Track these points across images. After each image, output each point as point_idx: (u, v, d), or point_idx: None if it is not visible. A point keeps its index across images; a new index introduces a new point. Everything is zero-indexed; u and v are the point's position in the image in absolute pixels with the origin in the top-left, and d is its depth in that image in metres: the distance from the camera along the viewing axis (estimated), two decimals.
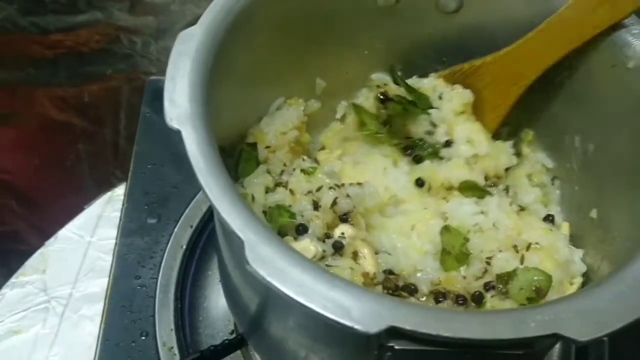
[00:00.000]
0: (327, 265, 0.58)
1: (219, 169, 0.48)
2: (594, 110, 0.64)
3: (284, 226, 0.61)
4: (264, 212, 0.62)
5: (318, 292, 0.43)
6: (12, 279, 0.89)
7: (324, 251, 0.59)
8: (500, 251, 0.64)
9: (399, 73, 0.75)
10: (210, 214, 0.86)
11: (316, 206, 0.63)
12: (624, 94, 0.60)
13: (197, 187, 0.86)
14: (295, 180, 0.65)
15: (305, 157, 0.68)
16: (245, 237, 0.45)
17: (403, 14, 0.70)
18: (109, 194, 0.97)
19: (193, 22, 0.56)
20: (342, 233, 0.63)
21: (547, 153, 0.72)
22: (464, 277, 0.64)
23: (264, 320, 0.60)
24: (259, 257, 0.44)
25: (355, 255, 0.62)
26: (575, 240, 0.67)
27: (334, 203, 0.64)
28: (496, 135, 0.75)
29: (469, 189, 0.70)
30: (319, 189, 0.64)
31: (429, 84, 0.73)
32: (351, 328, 0.42)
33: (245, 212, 0.46)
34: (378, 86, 0.73)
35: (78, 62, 1.18)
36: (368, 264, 0.62)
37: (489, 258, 0.64)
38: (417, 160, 0.72)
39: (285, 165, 0.67)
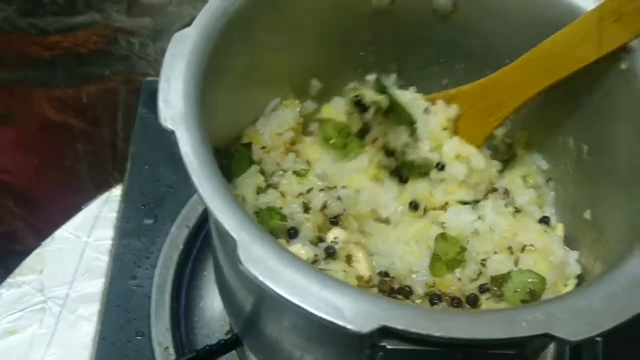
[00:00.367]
0: (320, 269, 0.58)
1: (212, 169, 0.48)
2: (587, 112, 0.64)
3: (275, 229, 0.61)
4: (256, 213, 0.62)
5: (311, 292, 0.43)
6: (9, 279, 0.89)
7: (315, 255, 0.59)
8: (495, 253, 0.64)
9: (394, 74, 0.75)
10: (206, 215, 0.86)
11: (307, 209, 0.64)
12: (618, 95, 0.60)
13: (193, 188, 0.88)
14: (286, 182, 0.65)
15: (297, 159, 0.69)
16: (238, 237, 0.45)
17: (398, 15, 0.70)
18: (106, 194, 0.97)
19: (190, 24, 0.57)
20: (335, 237, 0.63)
21: (542, 154, 0.72)
22: (459, 279, 0.64)
23: (258, 321, 0.60)
24: (252, 257, 0.44)
25: (349, 259, 0.62)
26: (569, 241, 0.67)
27: (324, 206, 0.64)
28: (491, 137, 0.75)
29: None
30: (309, 191, 0.65)
31: (412, 97, 0.73)
32: (343, 328, 0.42)
33: (239, 213, 0.46)
34: (354, 89, 0.72)
35: (76, 63, 1.18)
36: (362, 267, 0.62)
37: (484, 260, 0.64)
38: (403, 179, 0.71)
39: (278, 165, 0.67)
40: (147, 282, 0.83)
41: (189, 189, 0.87)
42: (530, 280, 0.60)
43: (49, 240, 0.92)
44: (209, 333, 0.80)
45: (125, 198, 0.90)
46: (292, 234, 0.62)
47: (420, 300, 0.62)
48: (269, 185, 0.66)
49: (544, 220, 0.69)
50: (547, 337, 0.43)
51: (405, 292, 0.63)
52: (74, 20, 1.23)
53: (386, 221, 0.69)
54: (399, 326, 0.42)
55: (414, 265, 0.65)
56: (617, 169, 0.61)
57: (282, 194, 0.65)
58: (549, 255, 0.63)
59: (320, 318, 0.42)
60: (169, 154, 0.91)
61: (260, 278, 0.43)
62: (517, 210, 0.68)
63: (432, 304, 0.61)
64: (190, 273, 0.85)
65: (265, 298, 0.55)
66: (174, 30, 0.55)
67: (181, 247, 0.85)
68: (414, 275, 0.65)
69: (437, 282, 0.63)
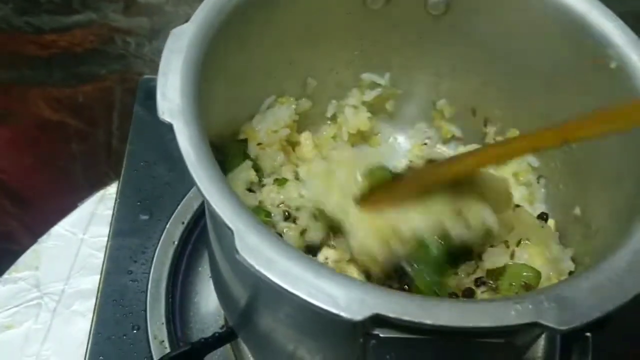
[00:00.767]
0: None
1: (209, 161, 0.49)
2: (577, 110, 0.64)
3: None
4: None
5: (305, 280, 0.44)
6: (5, 275, 0.90)
7: None
8: (491, 246, 0.65)
9: (388, 73, 0.76)
10: (201, 211, 0.87)
11: (287, 217, 0.64)
12: (606, 94, 0.61)
13: (189, 185, 0.89)
14: (266, 191, 0.66)
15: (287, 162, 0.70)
16: (235, 227, 0.45)
17: (392, 15, 0.71)
18: (101, 192, 0.97)
19: None
20: (326, 258, 0.64)
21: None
22: (456, 273, 0.65)
23: (253, 313, 0.61)
24: (248, 247, 0.45)
25: None
26: (560, 237, 0.68)
27: (304, 231, 0.64)
28: (483, 136, 0.77)
29: None
30: (298, 209, 0.65)
31: None
32: (337, 315, 0.43)
33: (235, 204, 0.47)
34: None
35: (72, 63, 1.18)
36: None
37: (481, 253, 0.64)
38: None
39: (274, 161, 0.68)
40: (143, 277, 0.83)
41: (185, 186, 0.90)
42: (525, 273, 0.61)
43: (45, 237, 0.93)
44: (204, 327, 0.81)
45: (121, 194, 0.91)
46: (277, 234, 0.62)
47: None
48: (260, 184, 0.67)
49: (542, 217, 0.70)
50: (536, 326, 0.44)
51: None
52: (71, 20, 1.23)
53: None
54: (391, 314, 0.43)
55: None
56: (603, 166, 0.62)
57: (261, 203, 0.65)
58: (544, 250, 0.63)
59: (314, 306, 0.43)
60: (165, 151, 0.92)
61: (257, 267, 0.44)
62: (517, 205, 0.69)
63: None
64: (186, 268, 0.85)
65: (260, 289, 0.56)
66: (170, 30, 0.56)
67: (176, 242, 0.86)
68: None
69: None
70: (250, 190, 0.66)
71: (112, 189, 0.97)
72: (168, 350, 0.76)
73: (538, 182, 0.73)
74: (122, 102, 1.14)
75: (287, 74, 0.72)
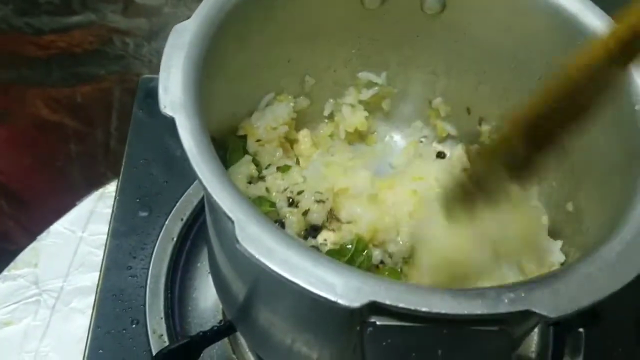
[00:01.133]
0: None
1: (210, 154, 0.50)
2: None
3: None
4: None
5: (303, 268, 0.45)
6: (4, 272, 0.90)
7: None
8: None
9: (385, 72, 0.77)
10: (200, 208, 0.88)
11: (291, 203, 0.66)
12: (598, 92, 0.62)
13: (188, 182, 0.90)
14: (271, 178, 0.67)
15: (286, 156, 0.71)
16: (235, 218, 0.46)
17: (389, 14, 0.72)
18: (100, 190, 0.98)
19: None
20: (325, 239, 0.65)
21: None
22: None
23: (252, 306, 0.62)
24: (248, 236, 0.46)
25: None
26: (552, 232, 0.69)
27: (306, 212, 0.66)
28: (477, 135, 0.78)
29: None
30: (300, 193, 0.67)
31: None
32: (334, 302, 0.44)
33: (236, 195, 0.48)
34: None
35: (71, 63, 1.19)
36: None
37: None
38: None
39: (273, 157, 0.70)
40: (142, 272, 0.84)
41: (183, 183, 0.91)
42: None
43: (44, 234, 0.94)
44: (202, 322, 0.82)
45: (121, 191, 0.92)
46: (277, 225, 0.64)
47: None
48: (261, 178, 0.68)
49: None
50: (529, 314, 0.45)
51: None
52: (70, 20, 1.24)
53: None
54: (388, 301, 0.44)
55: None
56: (595, 164, 0.63)
57: (268, 189, 0.67)
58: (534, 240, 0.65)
59: (313, 293, 0.44)
60: (164, 149, 0.93)
61: (257, 256, 0.45)
62: None
63: None
64: (184, 264, 0.86)
65: (259, 281, 0.57)
66: (169, 31, 0.57)
67: (175, 239, 0.86)
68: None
69: None
70: (250, 183, 0.67)
71: (110, 187, 0.97)
72: (167, 344, 0.77)
73: None
74: (121, 102, 1.15)
75: (286, 71, 0.73)
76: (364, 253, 0.66)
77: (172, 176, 0.92)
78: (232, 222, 0.46)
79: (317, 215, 0.66)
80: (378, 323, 0.45)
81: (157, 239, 0.87)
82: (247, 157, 0.68)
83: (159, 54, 0.55)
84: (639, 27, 0.42)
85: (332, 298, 0.44)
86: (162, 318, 0.80)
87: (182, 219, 0.88)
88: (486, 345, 0.46)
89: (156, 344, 0.77)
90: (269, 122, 0.71)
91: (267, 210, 0.64)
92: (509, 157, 0.51)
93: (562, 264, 0.65)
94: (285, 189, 0.67)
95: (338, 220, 0.68)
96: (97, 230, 0.93)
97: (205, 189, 0.48)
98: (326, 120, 0.80)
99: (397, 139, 0.83)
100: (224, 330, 0.74)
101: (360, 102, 0.79)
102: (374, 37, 0.75)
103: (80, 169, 1.07)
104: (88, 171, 1.07)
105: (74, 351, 0.82)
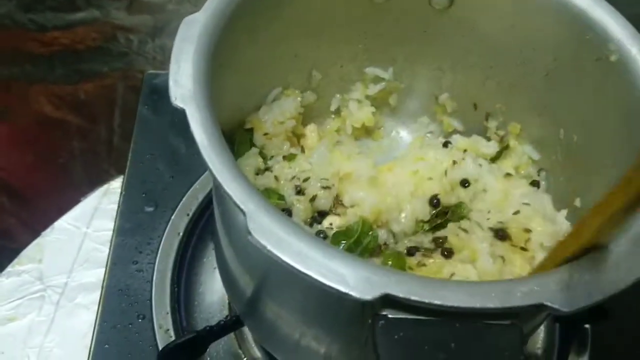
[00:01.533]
0: None
1: (221, 145, 0.50)
2: (578, 103, 0.66)
3: None
4: None
5: (316, 260, 0.44)
6: (9, 268, 0.90)
7: None
8: (489, 212, 0.67)
9: (392, 67, 0.77)
10: (206, 203, 0.88)
11: (299, 191, 0.66)
12: (607, 87, 0.62)
13: (194, 177, 0.90)
14: (278, 167, 0.68)
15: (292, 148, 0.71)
16: (247, 209, 0.46)
17: (396, 10, 0.72)
18: (105, 186, 0.98)
19: None
20: (330, 223, 0.66)
21: (534, 145, 0.74)
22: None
23: (260, 300, 0.62)
24: (260, 228, 0.45)
25: None
26: None
27: (313, 198, 0.66)
28: (484, 130, 0.78)
29: None
30: (306, 180, 0.67)
31: None
32: (347, 294, 0.43)
33: (246, 186, 0.48)
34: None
35: (74, 60, 1.18)
36: None
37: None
38: None
39: (282, 151, 0.70)
40: (148, 267, 0.84)
41: (189, 178, 0.91)
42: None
43: (48, 230, 0.94)
44: (209, 317, 0.82)
45: (127, 186, 0.92)
46: (286, 214, 0.64)
47: None
48: (267, 169, 0.68)
49: (535, 184, 0.72)
50: (542, 307, 0.45)
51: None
52: (74, 17, 1.24)
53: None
54: (400, 294, 0.44)
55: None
56: (605, 158, 0.63)
57: (276, 178, 0.67)
58: (541, 210, 0.65)
59: (325, 285, 0.44)
60: (169, 144, 0.93)
61: (269, 247, 0.45)
62: (508, 174, 0.71)
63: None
64: (190, 259, 0.86)
65: (269, 274, 0.57)
66: (173, 28, 0.57)
67: (181, 234, 0.87)
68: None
69: None
70: (257, 175, 0.68)
71: (115, 184, 0.97)
72: (173, 338, 0.77)
73: (539, 175, 0.73)
74: (124, 99, 1.14)
75: (293, 66, 0.73)
76: (370, 234, 0.66)
77: (178, 171, 0.92)
78: (244, 213, 0.46)
79: (324, 201, 0.67)
80: (390, 316, 0.45)
81: (163, 234, 0.87)
82: (254, 150, 0.68)
83: (163, 51, 0.55)
84: None
85: (345, 290, 0.44)
86: (168, 313, 0.80)
87: (188, 214, 0.88)
88: (498, 339, 0.46)
89: (162, 338, 0.77)
90: (276, 116, 0.71)
91: (275, 202, 0.64)
92: None
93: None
94: (293, 177, 0.68)
95: (343, 205, 0.68)
96: (102, 226, 0.93)
97: (216, 180, 0.48)
98: (333, 116, 0.80)
99: (404, 134, 0.83)
100: (231, 325, 0.74)
101: (367, 97, 0.79)
102: (381, 32, 0.75)
103: (83, 166, 1.06)
104: (91, 168, 1.06)
105: (78, 347, 0.82)
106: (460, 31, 0.73)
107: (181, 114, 0.51)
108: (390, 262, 0.63)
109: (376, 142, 0.81)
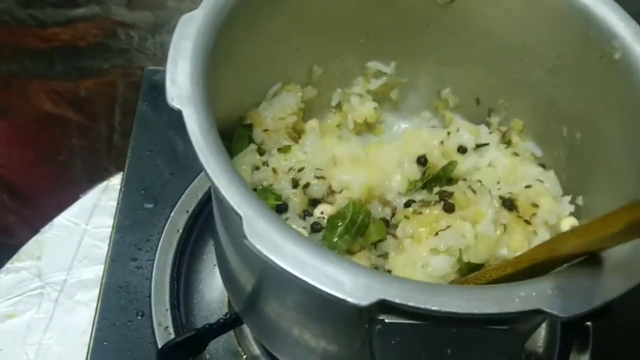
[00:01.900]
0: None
1: (218, 147, 0.49)
2: (581, 100, 0.66)
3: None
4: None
5: (312, 265, 0.44)
6: (7, 265, 0.90)
7: (303, 228, 0.62)
8: (498, 182, 0.67)
9: (394, 62, 0.77)
10: (206, 200, 0.88)
11: (295, 185, 0.66)
12: (610, 84, 0.61)
13: (194, 174, 0.90)
14: (274, 160, 0.67)
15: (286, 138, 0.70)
16: (243, 213, 0.46)
17: (398, 4, 0.71)
18: (104, 183, 0.98)
19: None
20: (322, 212, 0.65)
21: (536, 142, 0.73)
22: None
23: (259, 299, 0.62)
24: (256, 232, 0.45)
25: None
26: None
27: (306, 185, 0.66)
28: (486, 125, 0.77)
29: None
30: (301, 170, 0.67)
31: None
32: (343, 300, 0.43)
33: (244, 190, 0.47)
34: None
35: (75, 56, 1.18)
36: None
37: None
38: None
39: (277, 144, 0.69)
40: (148, 264, 0.84)
41: (189, 175, 0.91)
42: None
43: (47, 227, 0.93)
44: (208, 315, 0.82)
45: (126, 183, 0.91)
46: (282, 207, 0.64)
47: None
48: (264, 163, 0.68)
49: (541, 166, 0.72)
50: (539, 313, 0.45)
51: None
52: (74, 13, 1.23)
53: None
54: (397, 300, 0.43)
55: None
56: (608, 156, 0.63)
57: (274, 170, 0.67)
58: (552, 190, 0.65)
59: (321, 291, 0.43)
60: (169, 140, 0.93)
61: (265, 252, 0.44)
62: (516, 154, 0.71)
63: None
64: (190, 257, 0.86)
65: (267, 275, 0.56)
66: (173, 24, 0.56)
67: (181, 231, 0.86)
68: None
69: None
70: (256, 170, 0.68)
71: (114, 180, 0.97)
72: (172, 336, 0.77)
73: None
74: (125, 96, 1.14)
75: (294, 61, 0.72)
76: (362, 209, 0.65)
77: (177, 168, 0.92)
78: (240, 217, 0.46)
79: (317, 189, 0.66)
80: (387, 321, 0.45)
81: (162, 231, 0.86)
82: (252, 146, 0.68)
83: (163, 48, 0.54)
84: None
85: (341, 296, 0.43)
86: (167, 310, 0.80)
87: (187, 211, 0.88)
88: (496, 344, 0.46)
89: (162, 336, 0.77)
90: (276, 112, 0.71)
91: (272, 203, 0.64)
92: None
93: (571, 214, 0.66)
94: (290, 169, 0.67)
95: (335, 193, 0.68)
96: (101, 223, 0.93)
97: (213, 184, 0.48)
98: (334, 110, 0.79)
99: (405, 129, 0.82)
100: (230, 322, 0.74)
101: (369, 91, 0.78)
102: (383, 26, 0.73)
103: (83, 164, 1.06)
104: (91, 166, 1.05)
105: (77, 344, 0.82)
106: (462, 26, 0.72)
107: (179, 114, 0.51)
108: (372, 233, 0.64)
109: (377, 137, 0.80)
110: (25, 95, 1.14)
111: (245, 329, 0.80)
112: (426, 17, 0.72)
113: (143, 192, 0.90)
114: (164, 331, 0.78)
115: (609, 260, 0.48)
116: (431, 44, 0.75)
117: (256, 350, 0.80)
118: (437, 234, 0.61)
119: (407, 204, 0.66)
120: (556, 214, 0.64)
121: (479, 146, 0.72)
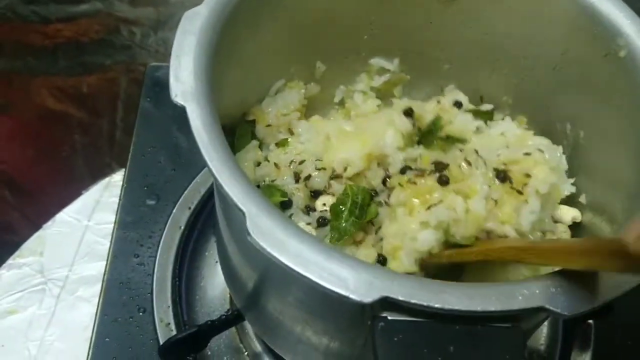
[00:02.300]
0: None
1: (222, 144, 0.49)
2: (585, 98, 0.65)
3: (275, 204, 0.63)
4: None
5: (316, 262, 0.44)
6: (10, 261, 0.90)
7: (308, 224, 0.62)
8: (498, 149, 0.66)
9: (397, 58, 0.76)
10: (208, 196, 0.88)
11: (297, 178, 0.66)
12: (615, 82, 0.61)
13: (196, 170, 0.90)
14: (274, 155, 0.67)
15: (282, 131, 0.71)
16: (246, 210, 0.46)
17: (402, 0, 0.71)
18: (107, 179, 0.98)
19: None
20: (324, 204, 0.65)
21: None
22: None
23: (261, 295, 0.62)
24: (260, 229, 0.45)
25: None
26: None
27: (308, 177, 0.66)
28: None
29: None
30: (301, 162, 0.67)
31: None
32: (347, 297, 0.43)
33: (247, 186, 0.47)
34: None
35: (77, 53, 1.18)
36: None
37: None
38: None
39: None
40: (149, 260, 0.84)
41: (191, 172, 0.91)
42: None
43: (49, 223, 0.94)
44: (210, 311, 0.82)
45: (128, 179, 0.91)
46: (287, 204, 0.64)
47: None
48: (265, 159, 0.68)
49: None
50: (542, 311, 0.45)
51: None
52: (77, 9, 1.23)
53: None
54: (400, 297, 0.43)
55: None
56: (611, 155, 0.62)
57: (276, 165, 0.67)
58: (552, 163, 0.64)
59: (325, 288, 0.43)
60: (171, 137, 0.93)
61: (268, 249, 0.44)
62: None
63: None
64: (192, 253, 0.86)
65: (270, 271, 0.56)
66: (176, 21, 0.56)
67: (183, 227, 0.86)
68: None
69: None
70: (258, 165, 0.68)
71: (116, 177, 0.97)
72: (174, 332, 0.77)
73: None
74: (127, 93, 1.14)
75: (297, 58, 0.72)
76: (359, 189, 0.65)
77: (179, 164, 0.92)
78: (244, 214, 0.46)
79: (318, 180, 0.66)
80: (390, 318, 0.45)
81: (164, 228, 0.86)
82: (255, 142, 0.68)
83: (165, 44, 0.54)
84: None
85: (344, 293, 0.43)
86: (169, 306, 0.80)
87: (189, 208, 0.88)
88: (498, 341, 0.46)
89: (163, 332, 0.77)
90: (279, 108, 0.71)
91: (278, 200, 0.63)
92: None
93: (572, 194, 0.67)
94: (291, 162, 0.67)
95: (338, 180, 0.67)
96: (103, 219, 0.93)
97: (216, 180, 0.47)
98: (337, 107, 0.79)
99: None
100: (232, 319, 0.74)
101: (372, 88, 0.78)
102: (387, 22, 0.73)
103: (85, 160, 1.06)
104: (93, 162, 1.05)
105: (79, 340, 0.82)
106: (466, 23, 0.72)
107: (182, 110, 0.51)
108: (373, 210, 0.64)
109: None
110: (27, 91, 1.14)
111: (247, 325, 0.80)
112: (429, 14, 0.72)
113: (145, 188, 0.90)
114: (165, 327, 0.78)
115: None
116: (435, 41, 0.75)
117: (258, 347, 0.80)
118: (429, 207, 0.60)
119: (403, 171, 0.65)
120: (548, 184, 0.63)
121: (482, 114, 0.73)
